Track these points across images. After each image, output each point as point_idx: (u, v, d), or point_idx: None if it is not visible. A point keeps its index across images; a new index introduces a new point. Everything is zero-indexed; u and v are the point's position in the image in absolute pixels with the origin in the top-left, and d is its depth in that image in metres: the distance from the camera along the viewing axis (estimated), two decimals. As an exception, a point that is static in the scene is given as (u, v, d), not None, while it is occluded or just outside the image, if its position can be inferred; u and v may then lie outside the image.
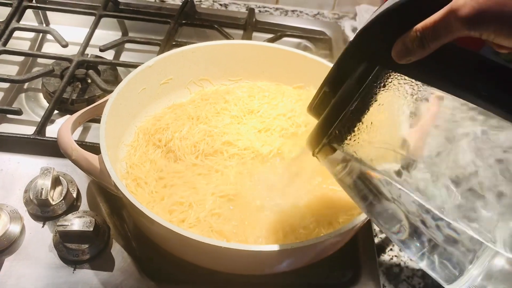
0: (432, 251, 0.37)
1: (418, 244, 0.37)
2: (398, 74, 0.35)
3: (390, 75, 0.36)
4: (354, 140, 0.38)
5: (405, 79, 0.35)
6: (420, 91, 0.35)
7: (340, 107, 0.38)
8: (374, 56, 0.36)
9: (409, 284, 0.58)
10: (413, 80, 0.35)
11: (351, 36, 0.91)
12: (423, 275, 0.59)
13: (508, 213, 0.33)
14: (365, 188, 0.39)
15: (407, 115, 0.37)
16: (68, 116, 0.72)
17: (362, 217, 0.48)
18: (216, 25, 0.84)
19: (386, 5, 0.34)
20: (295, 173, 0.53)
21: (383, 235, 0.63)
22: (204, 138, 0.57)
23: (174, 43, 0.80)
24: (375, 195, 0.39)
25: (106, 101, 0.56)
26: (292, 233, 0.50)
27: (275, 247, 0.45)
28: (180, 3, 0.90)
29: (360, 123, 0.38)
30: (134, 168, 0.56)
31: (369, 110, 0.37)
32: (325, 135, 0.39)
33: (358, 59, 0.37)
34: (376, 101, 0.37)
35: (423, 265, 0.38)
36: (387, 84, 0.36)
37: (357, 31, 0.37)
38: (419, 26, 0.32)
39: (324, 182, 0.55)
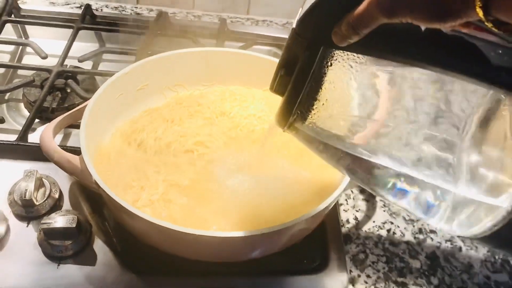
0: (403, 196, 0.41)
1: (396, 192, 0.42)
2: (341, 52, 0.39)
3: (334, 54, 0.40)
4: (316, 116, 0.42)
5: (347, 55, 0.39)
6: (363, 62, 0.39)
7: (297, 89, 0.42)
8: (317, 39, 0.40)
9: (374, 269, 0.63)
10: (355, 54, 0.39)
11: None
12: (387, 260, 0.64)
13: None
14: (338, 154, 0.44)
15: (356, 87, 0.41)
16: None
17: (327, 203, 0.52)
18: (190, 35, 0.88)
19: None
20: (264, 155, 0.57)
21: (349, 225, 0.67)
22: (177, 139, 0.61)
23: (149, 52, 0.83)
24: (350, 160, 0.43)
25: (85, 106, 0.60)
26: (257, 221, 0.54)
27: (246, 233, 0.49)
28: (155, 15, 0.94)
29: (317, 101, 0.41)
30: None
31: (322, 89, 0.41)
32: (289, 115, 0.43)
33: (303, 43, 0.40)
34: (327, 79, 0.41)
35: (402, 204, 0.42)
36: (334, 62, 0.40)
37: (299, 15, 0.40)
38: (350, 15, 0.36)
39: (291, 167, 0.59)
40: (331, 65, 0.40)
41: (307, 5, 0.40)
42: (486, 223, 0.36)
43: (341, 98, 0.42)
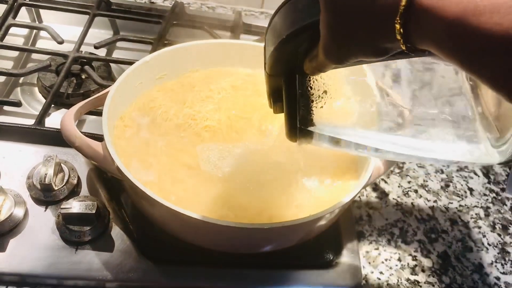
0: None
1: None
2: None
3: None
4: (319, 120, 0.45)
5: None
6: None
7: (291, 109, 0.44)
8: (290, 73, 0.43)
9: (387, 266, 0.63)
10: None
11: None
12: (399, 258, 0.64)
13: None
14: (351, 143, 0.46)
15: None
16: (63, 109, 0.75)
17: (342, 203, 0.53)
18: (206, 26, 0.88)
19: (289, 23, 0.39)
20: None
21: (362, 222, 0.68)
22: (187, 121, 0.62)
23: (166, 41, 0.83)
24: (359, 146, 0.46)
25: (107, 93, 0.59)
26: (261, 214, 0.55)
27: (266, 225, 0.49)
28: (169, 5, 0.94)
29: (314, 108, 0.44)
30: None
31: (313, 99, 0.44)
32: (295, 131, 0.46)
33: (278, 79, 0.44)
34: (313, 90, 0.44)
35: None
36: (313, 78, 0.43)
37: (266, 58, 0.43)
38: (309, 59, 0.40)
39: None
40: (312, 80, 0.43)
41: (269, 47, 0.42)
42: None
43: (334, 98, 0.44)
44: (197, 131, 0.63)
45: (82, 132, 0.66)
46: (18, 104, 0.70)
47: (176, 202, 0.49)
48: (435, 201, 0.73)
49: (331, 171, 0.61)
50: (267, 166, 0.60)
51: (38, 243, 0.56)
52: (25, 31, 0.89)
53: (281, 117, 0.47)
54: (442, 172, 0.77)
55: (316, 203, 0.57)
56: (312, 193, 0.59)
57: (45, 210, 0.59)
